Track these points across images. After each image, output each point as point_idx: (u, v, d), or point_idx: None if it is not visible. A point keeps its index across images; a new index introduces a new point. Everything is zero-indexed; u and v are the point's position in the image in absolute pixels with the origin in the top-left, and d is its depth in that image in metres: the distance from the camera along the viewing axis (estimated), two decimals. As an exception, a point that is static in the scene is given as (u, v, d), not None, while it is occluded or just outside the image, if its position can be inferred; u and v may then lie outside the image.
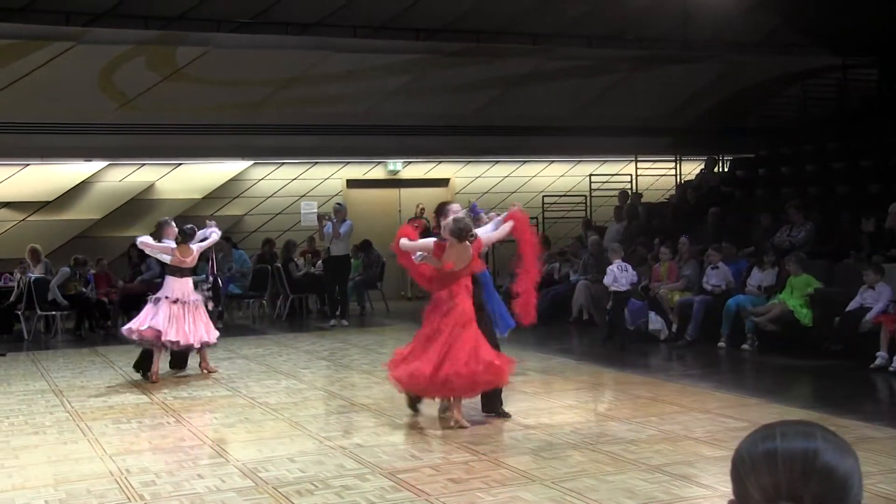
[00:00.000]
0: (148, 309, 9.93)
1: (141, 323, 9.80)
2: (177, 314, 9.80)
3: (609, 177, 19.68)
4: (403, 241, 7.82)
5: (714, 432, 7.00)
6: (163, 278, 10.45)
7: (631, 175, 19.62)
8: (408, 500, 5.59)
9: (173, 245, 9.99)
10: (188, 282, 10.08)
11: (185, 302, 9.92)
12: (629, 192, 18.18)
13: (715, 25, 18.70)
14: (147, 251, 10.70)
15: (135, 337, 9.80)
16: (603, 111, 18.61)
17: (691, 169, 19.71)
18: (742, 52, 19.45)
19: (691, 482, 5.80)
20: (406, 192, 19.35)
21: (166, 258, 10.11)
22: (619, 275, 11.74)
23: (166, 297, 9.86)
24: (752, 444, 1.59)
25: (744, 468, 1.58)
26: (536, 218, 19.18)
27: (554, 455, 6.48)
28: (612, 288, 11.79)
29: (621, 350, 11.46)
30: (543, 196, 19.59)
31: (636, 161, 19.62)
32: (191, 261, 10.05)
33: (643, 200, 17.64)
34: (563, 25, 18.36)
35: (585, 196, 19.58)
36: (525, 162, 20.00)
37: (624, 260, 11.97)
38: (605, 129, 18.65)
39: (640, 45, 19.04)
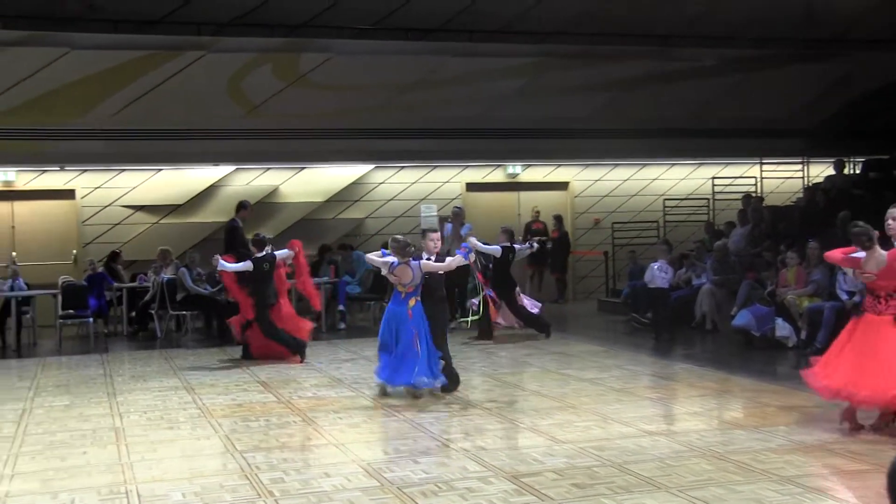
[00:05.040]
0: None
1: None
2: None
3: (732, 179, 19.24)
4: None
5: (850, 444, 6.76)
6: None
7: (756, 177, 19.13)
8: (531, 503, 5.58)
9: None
10: None
11: None
12: (752, 195, 17.74)
13: (843, 22, 18.07)
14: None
15: None
16: (725, 112, 18.22)
17: (820, 171, 19.10)
18: (874, 49, 18.72)
19: (826, 496, 5.61)
20: (525, 196, 19.35)
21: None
22: (657, 274, 12.88)
23: None
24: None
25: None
26: (657, 221, 18.93)
27: (680, 462, 6.37)
28: (651, 285, 12.96)
29: (665, 340, 12.68)
30: (664, 199, 19.29)
31: (761, 163, 19.12)
32: None
33: (767, 203, 17.19)
34: (681, 26, 18.04)
35: (708, 199, 19.19)
36: (645, 165, 19.73)
37: (668, 263, 13.21)
38: (727, 130, 18.25)
39: (761, 44, 18.54)
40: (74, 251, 16.98)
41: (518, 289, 13.41)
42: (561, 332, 14.40)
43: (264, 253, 11.75)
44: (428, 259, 9.07)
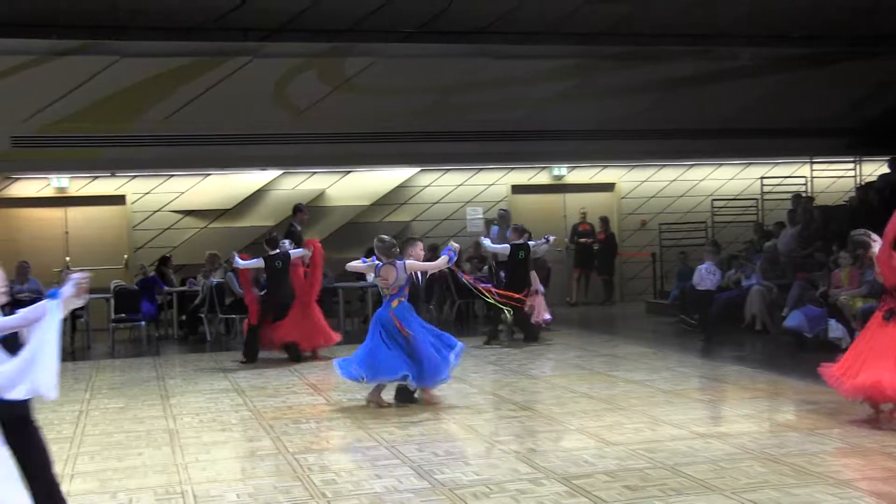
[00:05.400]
0: None
1: None
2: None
3: (782, 179, 19.01)
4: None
5: (908, 447, 6.65)
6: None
7: (806, 177, 18.89)
8: (584, 506, 5.57)
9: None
10: None
11: None
12: (802, 194, 17.51)
13: (893, 18, 17.76)
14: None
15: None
16: (773, 112, 18.01)
17: (873, 169, 18.80)
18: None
19: (886, 501, 5.52)
20: (571, 197, 19.28)
21: None
22: (705, 276, 13.00)
23: None
24: None
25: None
26: (705, 222, 18.77)
27: (733, 465, 6.31)
28: (699, 287, 13.06)
29: (708, 342, 12.64)
30: (712, 199, 19.13)
31: (811, 162, 18.87)
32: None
33: (817, 203, 16.96)
34: (725, 25, 17.86)
35: (757, 199, 18.98)
36: (692, 165, 19.57)
37: (715, 264, 13.29)
38: (776, 130, 18.04)
39: (810, 42, 18.28)
40: (126, 256, 17.23)
41: (537, 290, 13.16)
42: (609, 335, 14.35)
43: (277, 251, 11.90)
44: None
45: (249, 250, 16.12)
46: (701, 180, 19.67)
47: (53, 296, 4.51)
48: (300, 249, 12.37)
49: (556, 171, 19.12)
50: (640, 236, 19.41)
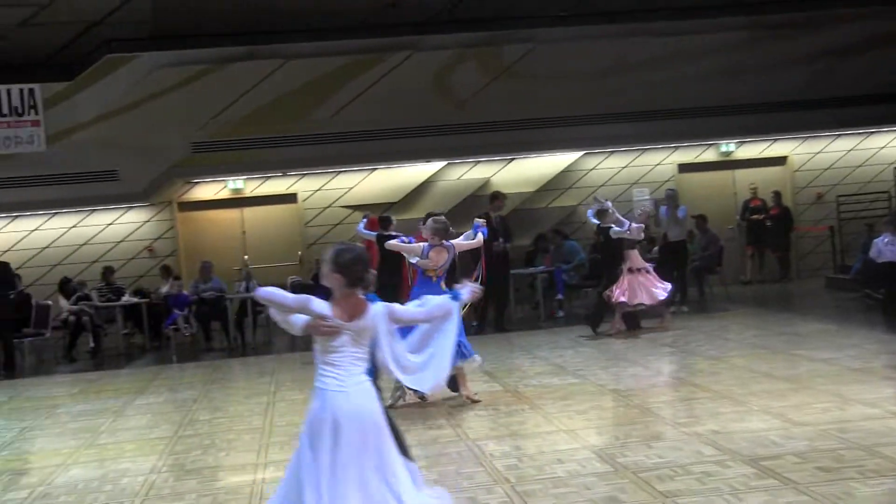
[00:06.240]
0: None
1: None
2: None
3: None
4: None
5: None
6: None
7: None
8: (774, 488, 5.40)
9: None
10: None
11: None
12: None
13: None
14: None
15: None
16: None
17: None
18: None
19: None
20: (741, 173, 18.65)
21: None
22: (883, 248, 12.43)
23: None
24: None
25: None
26: (888, 192, 17.81)
27: (937, 445, 5.97)
28: (879, 260, 12.44)
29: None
30: (895, 168, 18.11)
31: None
32: None
33: None
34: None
35: (948, 165, 17.88)
36: (871, 133, 18.58)
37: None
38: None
39: None
40: (299, 252, 17.82)
41: (622, 269, 12.32)
42: (788, 312, 13.87)
43: (389, 233, 11.93)
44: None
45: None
46: (881, 148, 18.65)
47: (456, 297, 5.02)
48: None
49: (723, 148, 18.54)
50: (817, 210, 18.60)
